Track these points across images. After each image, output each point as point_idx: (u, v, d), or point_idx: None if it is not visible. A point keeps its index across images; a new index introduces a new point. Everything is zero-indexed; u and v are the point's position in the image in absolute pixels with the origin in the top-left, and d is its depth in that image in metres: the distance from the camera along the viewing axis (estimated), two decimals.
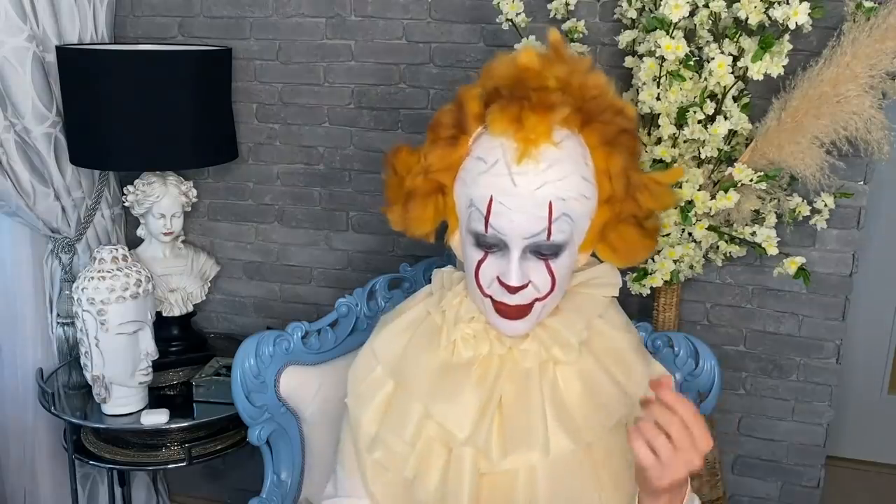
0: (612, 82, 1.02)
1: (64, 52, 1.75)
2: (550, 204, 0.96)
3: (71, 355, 1.99)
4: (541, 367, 1.06)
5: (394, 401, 1.08)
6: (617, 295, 1.14)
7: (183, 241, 2.02)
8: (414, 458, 1.05)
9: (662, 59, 1.44)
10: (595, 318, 1.10)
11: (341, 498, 1.13)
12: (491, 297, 1.01)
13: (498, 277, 1.00)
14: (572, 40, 1.64)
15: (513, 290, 0.99)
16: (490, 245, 0.99)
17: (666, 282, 1.60)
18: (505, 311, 1.01)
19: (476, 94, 1.00)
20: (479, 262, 1.01)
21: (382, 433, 1.07)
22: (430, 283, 1.16)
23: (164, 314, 1.92)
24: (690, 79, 1.48)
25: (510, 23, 1.62)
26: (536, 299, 1.01)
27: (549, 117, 0.95)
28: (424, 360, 1.07)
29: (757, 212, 1.58)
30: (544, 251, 0.99)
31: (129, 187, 1.87)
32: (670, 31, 1.44)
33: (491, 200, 0.97)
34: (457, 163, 1.02)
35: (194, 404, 1.80)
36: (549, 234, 0.97)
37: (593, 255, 1.10)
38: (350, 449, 1.12)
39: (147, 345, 1.71)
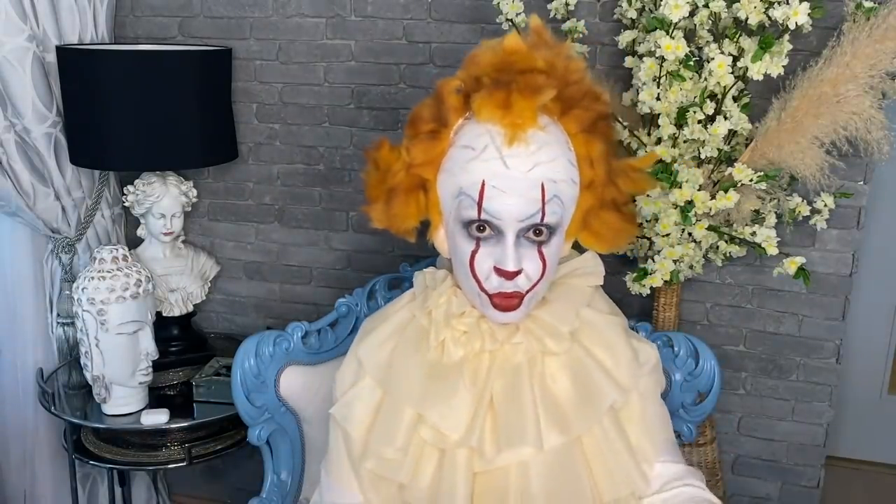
0: (603, 78, 1.03)
1: (64, 52, 1.75)
2: (543, 185, 0.97)
3: (71, 355, 1.99)
4: (529, 361, 1.06)
5: (382, 409, 1.08)
6: (601, 283, 1.14)
7: (183, 241, 2.02)
8: (407, 463, 1.05)
9: (662, 59, 1.44)
10: (583, 307, 1.10)
11: None
12: (487, 293, 1.01)
13: (494, 266, 0.99)
14: (572, 40, 1.64)
15: (510, 276, 0.99)
16: (482, 229, 0.99)
17: (666, 282, 1.60)
18: (501, 304, 1.01)
19: (455, 87, 1.00)
20: (473, 253, 1.00)
21: (372, 442, 1.07)
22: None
23: (164, 314, 1.92)
24: (690, 79, 1.47)
25: (510, 23, 1.62)
26: (528, 289, 1.01)
27: (535, 99, 0.95)
28: (413, 365, 1.06)
29: (757, 212, 1.58)
30: (537, 234, 0.99)
31: (129, 187, 1.87)
32: (670, 31, 1.44)
33: (483, 185, 0.97)
34: (439, 156, 1.02)
35: (194, 404, 1.80)
36: (544, 214, 0.98)
37: (574, 246, 1.11)
38: (341, 456, 1.11)
39: (147, 345, 1.71)
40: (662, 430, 1.16)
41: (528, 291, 1.01)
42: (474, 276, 1.01)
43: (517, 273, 0.99)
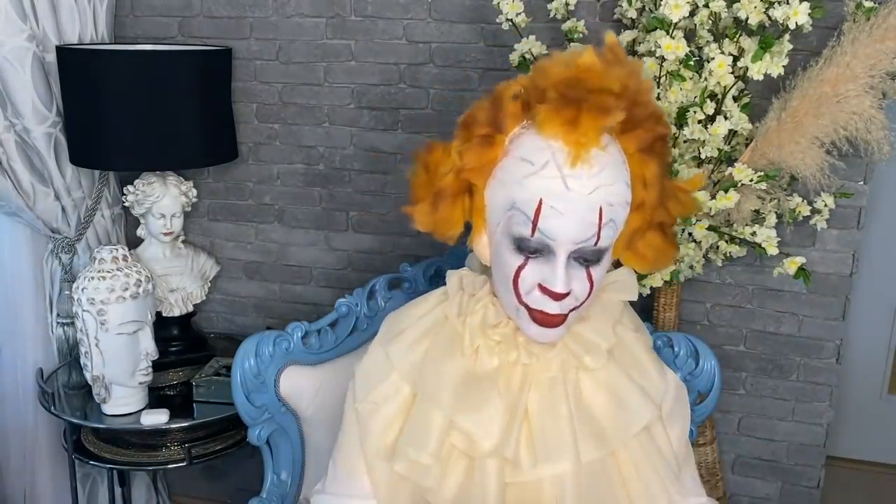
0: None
1: (64, 52, 1.75)
2: (601, 209, 0.93)
3: (71, 355, 1.99)
4: (564, 374, 1.04)
5: (413, 411, 1.05)
6: (635, 299, 1.12)
7: (183, 241, 2.02)
8: (436, 468, 1.03)
9: (662, 59, 1.44)
10: (617, 322, 1.09)
11: (343, 497, 1.10)
12: (527, 306, 0.98)
13: (540, 284, 0.96)
14: (572, 40, 1.64)
15: (558, 297, 0.96)
16: (533, 250, 0.96)
17: (666, 282, 1.60)
18: (542, 319, 0.98)
19: (515, 92, 0.96)
20: (520, 268, 0.97)
21: (403, 445, 1.04)
22: (430, 282, 1.14)
23: (164, 314, 1.92)
24: (690, 79, 1.48)
25: (510, 23, 1.62)
26: (572, 309, 0.98)
27: (604, 120, 0.91)
28: (446, 369, 1.04)
29: (757, 212, 1.58)
30: (588, 257, 0.96)
31: (129, 187, 1.87)
32: (670, 31, 1.44)
33: (541, 203, 0.93)
34: (491, 163, 0.98)
35: (194, 404, 1.80)
36: (598, 238, 0.95)
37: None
38: (354, 450, 1.09)
39: (147, 345, 1.71)
40: (688, 465, 1.16)
41: (572, 311, 0.99)
42: (516, 290, 0.98)
43: (565, 295, 0.96)
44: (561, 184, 0.92)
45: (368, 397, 1.08)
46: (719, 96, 1.50)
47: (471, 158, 0.98)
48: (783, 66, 1.44)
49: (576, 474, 1.02)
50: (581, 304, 0.99)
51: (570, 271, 0.96)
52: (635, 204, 0.99)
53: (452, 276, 1.10)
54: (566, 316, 0.99)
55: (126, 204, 1.90)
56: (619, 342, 1.09)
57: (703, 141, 1.49)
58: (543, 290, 0.96)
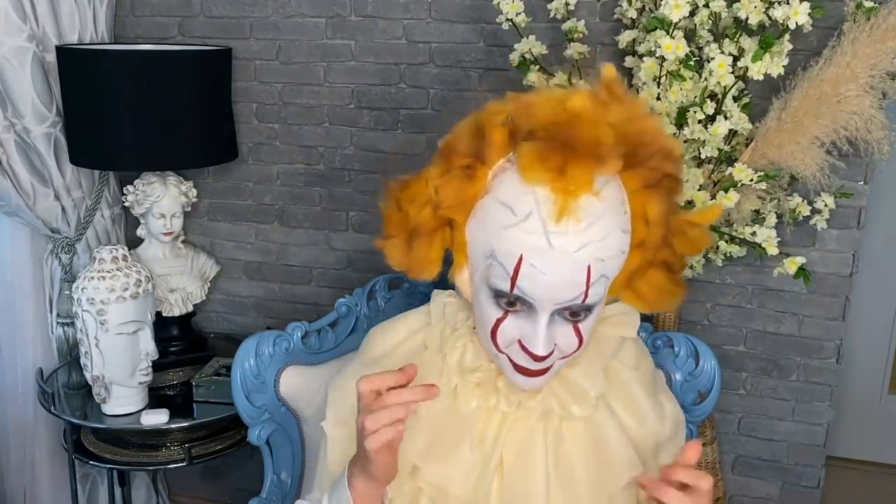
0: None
1: (64, 52, 1.75)
2: (589, 267, 0.84)
3: (71, 355, 1.99)
4: (545, 423, 0.98)
5: None
6: (634, 336, 1.06)
7: (183, 241, 2.02)
8: None
9: (662, 59, 1.44)
10: (611, 359, 1.02)
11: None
12: (508, 356, 0.91)
13: (519, 341, 0.89)
14: (572, 40, 1.64)
15: (538, 359, 0.88)
16: (513, 305, 0.88)
17: None
18: (524, 371, 0.91)
19: (501, 122, 0.86)
20: (499, 321, 0.89)
21: None
22: (430, 283, 1.10)
23: (164, 314, 1.92)
24: (690, 79, 1.48)
25: (510, 23, 1.62)
26: (560, 358, 0.92)
27: (596, 171, 0.82)
28: (420, 405, 0.94)
29: (757, 212, 1.58)
30: (575, 314, 0.88)
31: (129, 187, 1.87)
32: (670, 31, 1.44)
33: (521, 260, 0.84)
34: (472, 198, 0.89)
35: (194, 404, 1.80)
36: (586, 297, 0.86)
37: None
38: (327, 469, 1.04)
39: (147, 345, 1.71)
40: None
41: (559, 360, 0.92)
42: (494, 342, 0.91)
43: (547, 356, 0.89)
44: (544, 240, 0.83)
45: (338, 418, 1.03)
46: (719, 96, 1.50)
47: (448, 194, 0.89)
48: (783, 66, 1.44)
49: None
50: (569, 356, 0.92)
51: (555, 328, 0.88)
52: (635, 242, 0.90)
53: (436, 300, 1.04)
54: (550, 367, 0.92)
55: (126, 204, 1.90)
56: (614, 379, 1.02)
57: (703, 141, 1.49)
58: (523, 348, 0.89)
